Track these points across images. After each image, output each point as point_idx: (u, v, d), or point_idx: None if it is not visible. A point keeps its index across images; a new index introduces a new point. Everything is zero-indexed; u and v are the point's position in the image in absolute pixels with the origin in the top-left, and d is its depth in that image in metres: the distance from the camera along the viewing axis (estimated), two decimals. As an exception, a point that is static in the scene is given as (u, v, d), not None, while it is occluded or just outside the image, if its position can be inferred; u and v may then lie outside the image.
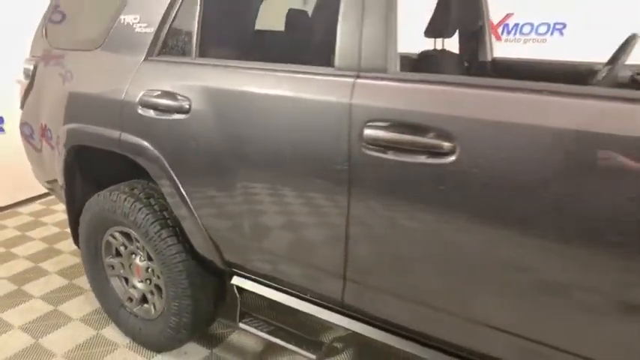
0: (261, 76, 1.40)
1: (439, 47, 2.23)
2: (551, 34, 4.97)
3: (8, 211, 3.57)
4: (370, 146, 1.16)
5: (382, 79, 1.18)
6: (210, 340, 2.09)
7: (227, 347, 2.06)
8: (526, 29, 5.12)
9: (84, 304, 2.37)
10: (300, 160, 1.31)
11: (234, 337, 2.11)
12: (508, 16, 5.16)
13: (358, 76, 1.21)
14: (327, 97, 1.23)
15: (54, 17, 2.15)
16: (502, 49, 5.19)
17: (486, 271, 1.10)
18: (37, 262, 2.80)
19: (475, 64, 2.39)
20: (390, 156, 1.13)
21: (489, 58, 2.42)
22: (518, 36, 5.16)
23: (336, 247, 1.31)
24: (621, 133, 0.88)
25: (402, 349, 1.30)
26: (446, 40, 2.19)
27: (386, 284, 1.28)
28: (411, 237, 1.17)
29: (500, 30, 5.24)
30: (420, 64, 2.12)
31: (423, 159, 1.09)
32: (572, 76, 1.88)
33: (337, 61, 1.25)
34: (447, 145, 1.05)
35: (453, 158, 1.05)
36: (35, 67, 2.14)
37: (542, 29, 5.01)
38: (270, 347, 2.03)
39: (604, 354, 1.00)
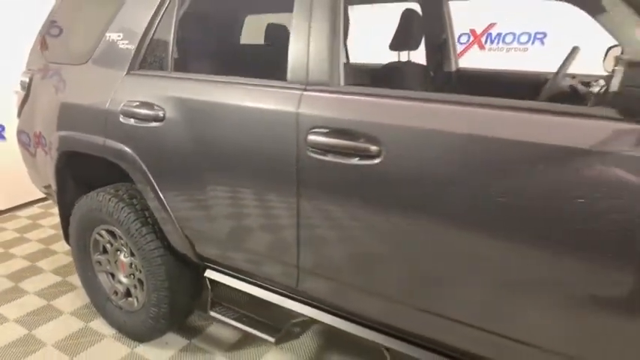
0: (226, 88, 1.57)
1: (405, 59, 2.42)
2: (532, 43, 5.15)
3: (8, 214, 3.76)
4: (314, 150, 1.32)
5: (324, 91, 1.35)
6: (190, 332, 2.24)
7: (205, 338, 2.21)
8: (508, 38, 5.29)
9: (75, 299, 2.54)
10: (258, 163, 1.48)
11: (212, 329, 2.27)
12: (491, 25, 5.33)
13: (305, 89, 1.38)
14: (280, 107, 1.40)
15: (52, 31, 2.33)
16: (485, 57, 5.37)
17: (411, 258, 1.26)
18: (33, 262, 2.97)
19: (440, 74, 2.56)
20: (329, 158, 1.30)
21: (454, 69, 2.58)
22: (501, 45, 5.33)
23: (290, 240, 1.48)
24: (517, 138, 1.04)
25: (346, 330, 1.46)
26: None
27: (331, 272, 1.44)
28: (349, 230, 1.34)
29: (483, 39, 5.41)
30: (385, 75, 2.29)
31: (355, 161, 1.25)
32: (528, 86, 2.04)
33: (289, 75, 1.43)
34: (374, 148, 1.22)
35: (379, 160, 1.21)
36: (31, 80, 2.32)
37: (524, 38, 5.18)
38: (245, 338, 2.19)
39: (515, 331, 1.15)
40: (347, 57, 2.59)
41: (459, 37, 5.46)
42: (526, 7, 5.03)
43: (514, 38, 5.24)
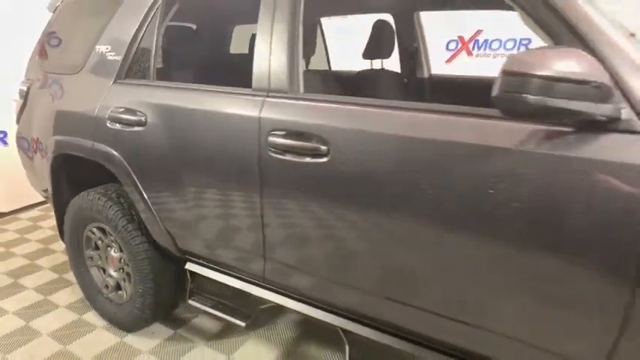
0: (200, 95, 1.74)
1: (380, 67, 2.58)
2: (518, 48, 5.30)
3: (10, 216, 3.94)
4: (273, 150, 1.48)
5: (283, 98, 1.51)
6: (176, 323, 2.40)
7: (189, 328, 2.36)
8: (495, 45, 5.44)
9: (71, 294, 2.70)
10: (227, 164, 1.64)
11: (197, 320, 2.42)
12: (478, 32, 5.49)
13: (267, 96, 1.54)
14: (244, 112, 1.56)
15: (51, 42, 2.50)
16: (473, 64, 5.51)
17: (360, 246, 1.41)
18: (32, 260, 3.15)
19: (413, 80, 2.71)
20: (287, 157, 1.45)
21: (426, 75, 2.73)
22: (487, 51, 5.48)
23: (256, 232, 1.63)
24: (437, 137, 1.19)
25: (307, 314, 1.61)
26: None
27: (292, 261, 1.59)
28: (304, 222, 1.49)
29: (471, 45, 5.56)
30: (357, 82, 2.45)
31: (308, 159, 1.41)
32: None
33: (253, 83, 1.59)
34: (323, 148, 1.37)
35: (327, 159, 1.37)
36: (29, 88, 2.50)
37: (510, 45, 5.33)
38: (226, 328, 2.34)
39: (450, 309, 1.30)
40: (307, 66, 2.71)
41: (448, 43, 5.63)
42: (511, 14, 5.19)
43: (500, 44, 5.39)
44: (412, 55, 2.72)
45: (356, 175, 1.34)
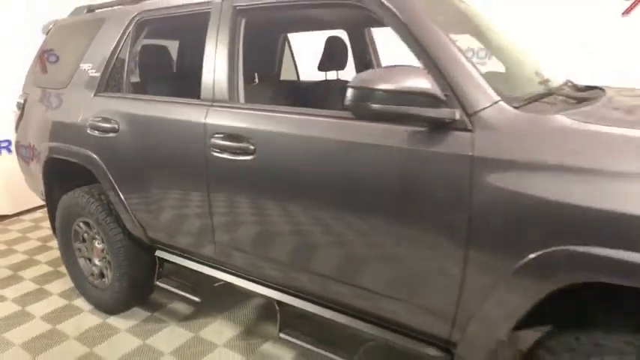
0: (160, 105, 2.06)
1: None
2: (489, 58, 5.55)
3: (14, 218, 4.30)
4: (215, 150, 1.79)
5: (224, 107, 1.82)
6: (153, 307, 2.70)
7: (165, 312, 2.67)
8: (468, 54, 5.67)
9: (63, 284, 3.02)
10: (182, 162, 1.95)
11: (172, 305, 2.73)
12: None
13: (212, 105, 1.86)
14: (194, 118, 1.88)
15: (50, 59, 2.83)
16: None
17: (280, 228, 1.70)
18: (31, 256, 3.49)
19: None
20: (224, 156, 1.76)
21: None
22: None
23: (206, 221, 1.94)
24: (328, 136, 1.49)
25: (246, 288, 1.91)
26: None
27: (234, 243, 1.89)
28: (240, 210, 1.79)
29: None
30: (309, 91, 2.76)
31: (240, 157, 1.71)
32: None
33: (201, 94, 1.90)
34: (251, 147, 1.68)
35: (254, 156, 1.67)
36: (25, 101, 2.85)
37: (482, 53, 5.59)
38: (197, 312, 2.64)
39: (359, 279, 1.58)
40: (254, 79, 2.98)
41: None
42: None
43: (473, 53, 5.64)
44: (366, 66, 3.02)
45: (275, 168, 1.64)
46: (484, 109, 1.26)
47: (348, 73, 2.84)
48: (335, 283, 1.62)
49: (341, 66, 2.82)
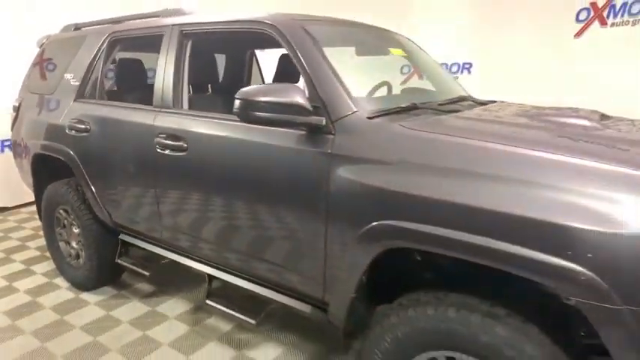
0: (122, 110, 2.47)
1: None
2: (462, 72, 5.93)
3: (13, 210, 4.75)
4: (159, 148, 2.18)
5: (168, 112, 2.22)
6: (122, 286, 3.09)
7: (131, 291, 3.05)
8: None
9: (47, 266, 3.43)
10: (136, 158, 2.35)
11: (139, 285, 3.11)
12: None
13: (160, 111, 2.26)
14: (145, 121, 2.28)
15: (49, 67, 3.26)
16: (424, 85, 6.11)
17: (209, 212, 2.08)
18: (24, 242, 3.91)
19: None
20: (166, 153, 2.15)
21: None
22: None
23: (155, 208, 2.33)
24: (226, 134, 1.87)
25: (184, 264, 2.30)
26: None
27: (175, 226, 2.28)
28: (178, 198, 2.18)
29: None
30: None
31: (177, 154, 2.11)
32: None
33: (153, 102, 2.31)
34: (184, 145, 2.07)
35: (186, 153, 2.06)
36: (20, 104, 3.30)
37: (455, 68, 5.97)
38: (158, 291, 3.02)
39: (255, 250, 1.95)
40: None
41: (402, 67, 6.29)
42: (455, 40, 5.84)
43: (446, 68, 6.02)
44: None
45: (201, 162, 2.03)
46: (343, 117, 1.64)
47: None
48: (241, 256, 2.00)
49: (293, 80, 3.20)
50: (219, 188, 2.00)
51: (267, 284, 2.01)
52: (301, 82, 1.86)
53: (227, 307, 2.13)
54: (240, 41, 2.96)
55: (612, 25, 4.44)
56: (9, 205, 4.78)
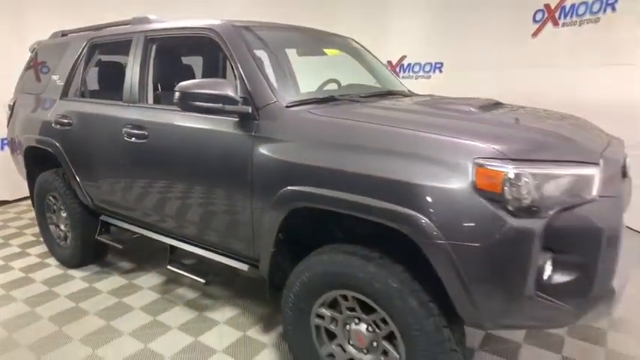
0: (98, 106, 2.85)
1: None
2: (434, 71, 6.27)
3: (13, 203, 5.17)
4: (126, 136, 2.56)
5: (134, 106, 2.60)
6: (106, 264, 3.47)
7: (114, 268, 3.43)
8: (416, 68, 6.42)
9: (41, 249, 3.81)
10: (109, 147, 2.73)
11: (121, 264, 3.49)
12: (403, 57, 6.50)
13: (129, 105, 2.64)
14: (116, 114, 2.66)
15: (43, 70, 3.65)
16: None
17: (166, 194, 2.46)
18: (21, 230, 4.32)
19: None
20: (132, 140, 2.53)
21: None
22: (411, 73, 6.49)
23: (127, 191, 2.71)
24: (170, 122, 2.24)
25: (153, 237, 2.68)
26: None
27: (142, 205, 2.66)
28: (143, 181, 2.56)
29: (398, 69, 6.55)
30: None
31: (140, 141, 2.49)
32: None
33: (123, 97, 2.69)
34: (146, 133, 2.45)
35: (147, 140, 2.44)
36: (14, 103, 3.70)
37: (427, 68, 6.32)
38: (137, 267, 3.40)
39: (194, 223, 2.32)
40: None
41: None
42: (427, 41, 6.18)
43: (420, 68, 6.38)
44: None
45: (158, 147, 2.41)
46: (265, 106, 2.01)
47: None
48: (192, 226, 2.37)
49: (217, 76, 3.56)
50: (173, 170, 2.37)
51: (215, 249, 2.38)
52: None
53: (183, 271, 2.50)
54: (196, 45, 3.33)
55: (563, 25, 4.75)
56: (9, 199, 5.20)
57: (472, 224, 1.44)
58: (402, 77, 6.55)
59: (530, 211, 1.42)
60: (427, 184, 1.49)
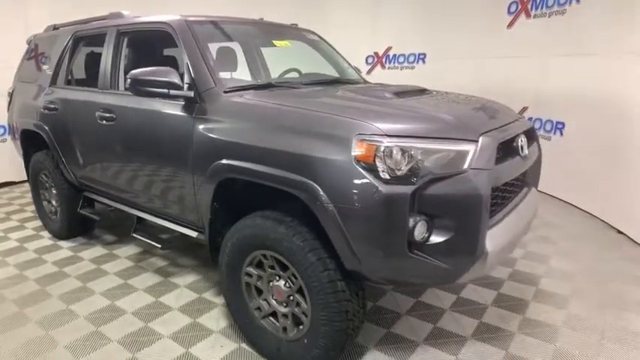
0: (78, 92, 3.19)
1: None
2: (417, 62, 6.46)
3: (19, 184, 5.60)
4: (99, 119, 2.89)
5: (106, 93, 2.92)
6: (92, 237, 3.84)
7: (98, 240, 3.79)
8: (401, 59, 6.62)
9: (37, 223, 4.20)
10: (85, 129, 3.06)
11: (105, 236, 3.85)
12: (389, 48, 6.71)
13: (102, 91, 2.96)
14: (91, 99, 2.99)
15: (43, 60, 4.01)
16: (386, 75, 6.68)
17: (131, 169, 2.77)
18: (22, 207, 4.73)
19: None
20: (103, 123, 2.86)
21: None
22: (396, 64, 6.70)
23: (101, 169, 3.04)
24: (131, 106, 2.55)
25: (122, 209, 3.01)
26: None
27: (114, 181, 2.98)
28: (112, 159, 2.88)
29: (384, 60, 6.76)
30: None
31: (109, 123, 2.80)
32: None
33: (98, 84, 3.01)
34: (114, 116, 2.76)
35: (115, 122, 2.76)
36: (13, 90, 4.07)
37: (412, 59, 6.51)
38: (119, 241, 3.75)
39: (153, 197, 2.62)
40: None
41: (367, 58, 6.86)
42: (411, 33, 6.36)
43: (405, 59, 6.57)
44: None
45: (123, 128, 2.72)
46: (205, 91, 2.29)
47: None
48: (152, 199, 2.69)
49: (233, 69, 3.85)
50: (133, 148, 2.69)
51: (172, 219, 2.69)
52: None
53: (144, 238, 2.82)
54: (159, 38, 3.62)
55: (534, 16, 4.90)
56: (15, 180, 5.63)
57: (352, 190, 1.70)
58: (388, 68, 6.77)
59: (400, 179, 1.67)
60: (320, 156, 1.76)
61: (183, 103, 2.36)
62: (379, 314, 2.60)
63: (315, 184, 1.75)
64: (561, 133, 4.68)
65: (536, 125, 5.02)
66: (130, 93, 2.70)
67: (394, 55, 6.65)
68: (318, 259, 1.85)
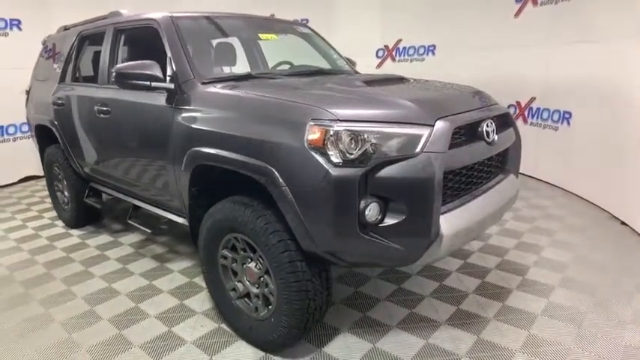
0: (81, 88, 3.38)
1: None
2: (427, 54, 6.41)
3: (42, 178, 5.92)
4: (98, 112, 3.06)
5: (103, 87, 3.09)
6: (100, 226, 4.06)
7: (106, 229, 4.01)
8: (411, 51, 6.58)
9: (48, 207, 4.47)
10: (87, 122, 3.25)
11: (112, 225, 4.06)
12: (399, 41, 6.68)
13: (99, 87, 3.14)
14: (92, 94, 3.17)
15: (60, 58, 4.26)
16: (397, 68, 6.65)
17: (126, 159, 2.93)
18: (43, 199, 5.02)
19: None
20: (101, 116, 3.03)
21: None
22: (406, 57, 6.67)
23: (100, 160, 3.22)
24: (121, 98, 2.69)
25: (124, 199, 3.18)
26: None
27: (112, 171, 3.16)
28: (109, 151, 3.05)
29: (394, 53, 6.74)
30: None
31: (106, 116, 2.97)
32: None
33: (97, 80, 3.19)
34: (109, 110, 2.93)
35: (110, 115, 2.92)
36: (30, 88, 4.34)
37: (421, 51, 6.47)
38: (124, 230, 3.95)
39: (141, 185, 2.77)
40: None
41: (377, 52, 6.86)
42: (421, 25, 6.31)
43: (414, 51, 6.53)
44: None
45: (117, 120, 2.88)
46: (184, 82, 2.41)
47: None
48: (150, 188, 2.84)
49: (232, 63, 3.98)
50: (125, 139, 2.85)
51: (162, 207, 2.84)
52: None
53: (137, 224, 2.98)
54: (151, 34, 3.77)
55: (541, 4, 4.78)
56: (40, 174, 5.97)
57: (305, 173, 1.77)
58: (398, 61, 6.75)
59: (351, 162, 1.73)
60: (277, 141, 1.84)
61: (165, 94, 2.48)
62: (359, 299, 2.66)
63: (272, 169, 1.83)
64: (568, 123, 4.56)
65: (544, 115, 4.91)
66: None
67: (404, 48, 6.61)
68: (279, 240, 1.93)
